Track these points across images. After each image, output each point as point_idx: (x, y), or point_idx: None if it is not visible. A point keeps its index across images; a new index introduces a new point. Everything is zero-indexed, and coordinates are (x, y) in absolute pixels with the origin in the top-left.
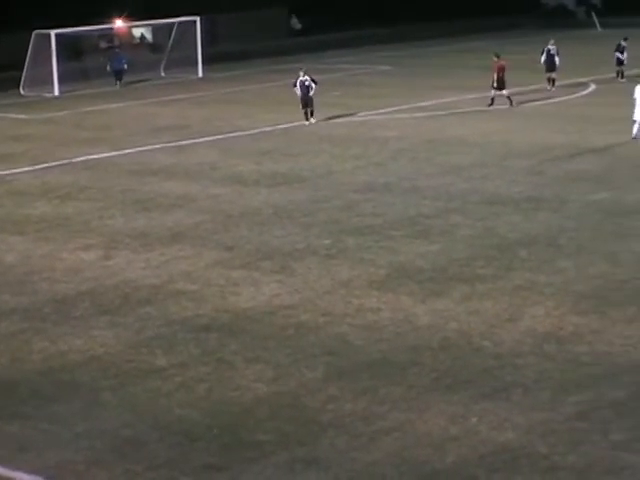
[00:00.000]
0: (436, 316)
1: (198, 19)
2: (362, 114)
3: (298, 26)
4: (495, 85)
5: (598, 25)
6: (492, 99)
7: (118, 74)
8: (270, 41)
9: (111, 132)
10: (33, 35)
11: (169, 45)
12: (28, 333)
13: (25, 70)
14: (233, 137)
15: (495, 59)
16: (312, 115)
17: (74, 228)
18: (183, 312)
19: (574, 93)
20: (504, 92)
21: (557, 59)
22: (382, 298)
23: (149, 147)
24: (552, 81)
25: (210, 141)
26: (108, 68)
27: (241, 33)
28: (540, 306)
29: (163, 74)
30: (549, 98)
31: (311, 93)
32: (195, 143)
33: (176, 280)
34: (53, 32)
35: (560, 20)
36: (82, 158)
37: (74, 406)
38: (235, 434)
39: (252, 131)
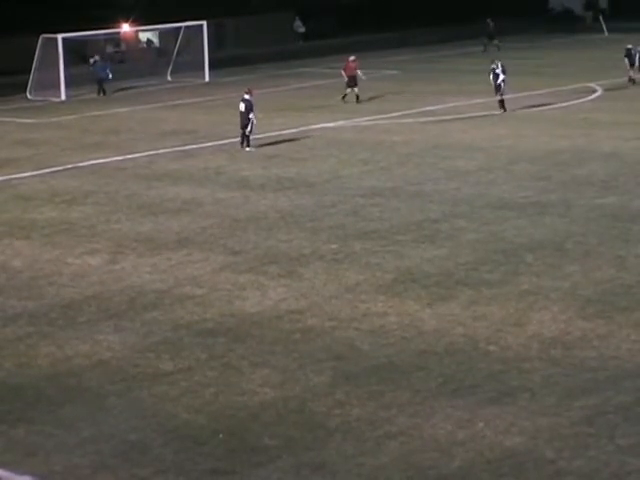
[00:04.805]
0: (442, 321)
1: (205, 23)
2: (368, 119)
3: (301, 29)
4: (347, 83)
5: (605, 29)
6: (345, 95)
7: (100, 83)
8: (277, 45)
9: (118, 137)
10: (40, 39)
11: (176, 49)
12: (34, 337)
13: (32, 74)
14: (240, 142)
15: (350, 59)
16: (248, 143)
17: (80, 233)
18: (189, 317)
19: (581, 98)
20: (355, 89)
21: (501, 77)
22: (388, 303)
23: (156, 152)
24: (501, 103)
25: (217, 146)
26: (107, 75)
27: (248, 37)
28: (546, 311)
29: (170, 78)
30: (555, 103)
31: (251, 115)
32: (202, 148)
33: (182, 285)
34: (60, 36)
35: (567, 25)
36: (88, 162)
37: (80, 411)
38: (241, 439)
39: (260, 135)
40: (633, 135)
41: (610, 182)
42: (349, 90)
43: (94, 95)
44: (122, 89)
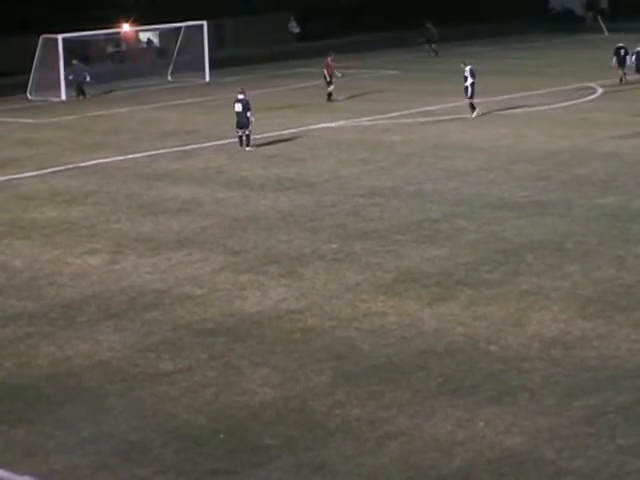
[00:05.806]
0: (442, 320)
1: (205, 23)
2: (368, 119)
3: (296, 30)
4: (328, 80)
5: (605, 29)
6: (329, 94)
7: (79, 86)
8: (277, 45)
9: (118, 136)
10: (40, 39)
11: (176, 49)
12: (34, 337)
13: (32, 75)
14: (238, 142)
15: (329, 58)
16: (248, 143)
17: (81, 232)
18: (190, 317)
19: (581, 98)
20: (330, 88)
21: (470, 81)
22: (389, 302)
23: (156, 151)
24: (471, 106)
25: (217, 145)
26: (70, 77)
27: (248, 37)
28: (547, 311)
29: (170, 78)
30: (555, 103)
31: (248, 114)
32: (202, 147)
33: (183, 284)
34: (60, 37)
35: (567, 25)
36: (89, 162)
37: (80, 411)
38: (242, 439)
39: (259, 136)
40: (633, 135)
41: (610, 182)
42: (333, 88)
43: (92, 96)
44: (121, 89)
